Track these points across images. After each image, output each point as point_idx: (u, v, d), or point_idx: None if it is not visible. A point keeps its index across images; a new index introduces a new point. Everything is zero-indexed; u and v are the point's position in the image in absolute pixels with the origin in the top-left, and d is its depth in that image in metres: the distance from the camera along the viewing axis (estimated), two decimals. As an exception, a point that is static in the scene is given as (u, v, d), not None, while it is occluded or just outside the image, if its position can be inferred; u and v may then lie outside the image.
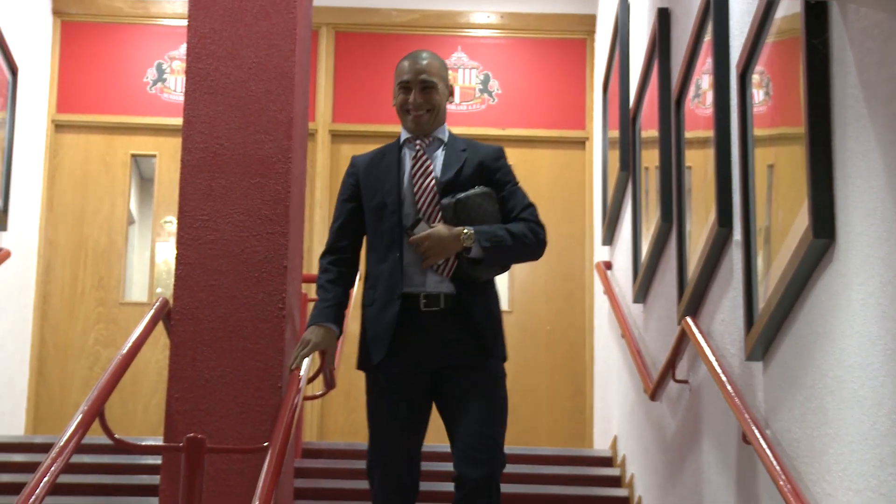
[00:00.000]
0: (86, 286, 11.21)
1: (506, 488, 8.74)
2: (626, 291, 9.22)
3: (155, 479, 7.09)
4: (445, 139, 5.84)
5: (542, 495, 8.71)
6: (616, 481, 9.16)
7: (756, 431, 5.45)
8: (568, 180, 11.37)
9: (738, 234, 6.00)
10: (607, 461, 9.51)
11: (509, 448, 10.06)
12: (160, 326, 6.75)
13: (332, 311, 5.77)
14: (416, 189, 5.73)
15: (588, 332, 10.94)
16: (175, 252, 6.74)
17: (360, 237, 6.04)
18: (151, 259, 11.41)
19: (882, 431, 4.22)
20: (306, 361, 5.89)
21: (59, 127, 11.36)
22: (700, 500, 6.79)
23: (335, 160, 11.34)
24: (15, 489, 6.95)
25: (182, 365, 6.51)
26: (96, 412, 5.73)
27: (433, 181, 5.70)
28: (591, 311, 10.98)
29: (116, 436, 6.18)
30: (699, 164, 6.82)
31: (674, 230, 7.39)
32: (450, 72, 11.42)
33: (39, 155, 11.19)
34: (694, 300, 6.86)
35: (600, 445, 10.08)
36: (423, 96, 5.70)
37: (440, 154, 5.82)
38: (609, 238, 10.16)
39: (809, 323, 5.07)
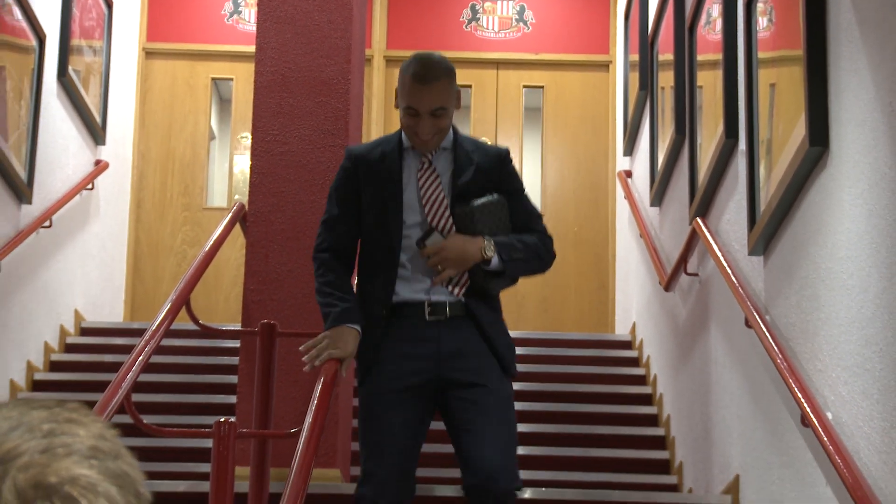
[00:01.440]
0: (173, 193, 11.23)
1: (539, 368, 8.80)
2: (643, 196, 9.18)
3: (234, 360, 7.15)
4: (450, 147, 4.71)
5: (571, 374, 8.73)
6: (634, 362, 9.19)
7: (757, 317, 5.52)
8: (593, 99, 11.23)
9: (742, 145, 5.98)
10: (627, 344, 9.52)
11: (542, 333, 10.15)
12: (237, 228, 6.86)
13: (356, 312, 4.59)
14: (423, 197, 4.61)
15: (610, 232, 10.89)
16: (250, 163, 6.86)
17: (359, 236, 4.86)
18: (230, 169, 11.41)
19: (867, 315, 4.30)
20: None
21: (148, 54, 11.34)
22: (708, 378, 6.79)
23: (388, 83, 11.22)
24: (115, 367, 7.00)
25: (256, 261, 6.64)
26: (183, 301, 5.81)
27: (441, 189, 4.62)
28: (613, 214, 10.90)
29: (201, 322, 6.23)
30: (709, 84, 6.79)
31: (686, 142, 7.35)
32: (488, 3, 11.47)
33: (132, 79, 11.18)
34: (703, 203, 6.86)
35: (621, 331, 10.07)
36: (432, 123, 4.53)
37: (448, 159, 4.70)
38: (629, 149, 10.09)
39: (805, 221, 5.09)
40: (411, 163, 4.74)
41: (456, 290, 4.57)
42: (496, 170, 4.78)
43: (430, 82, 4.53)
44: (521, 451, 7.33)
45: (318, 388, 4.96)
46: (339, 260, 4.75)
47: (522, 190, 4.89)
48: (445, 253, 4.47)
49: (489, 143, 5.21)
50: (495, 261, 4.52)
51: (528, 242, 4.68)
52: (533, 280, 10.39)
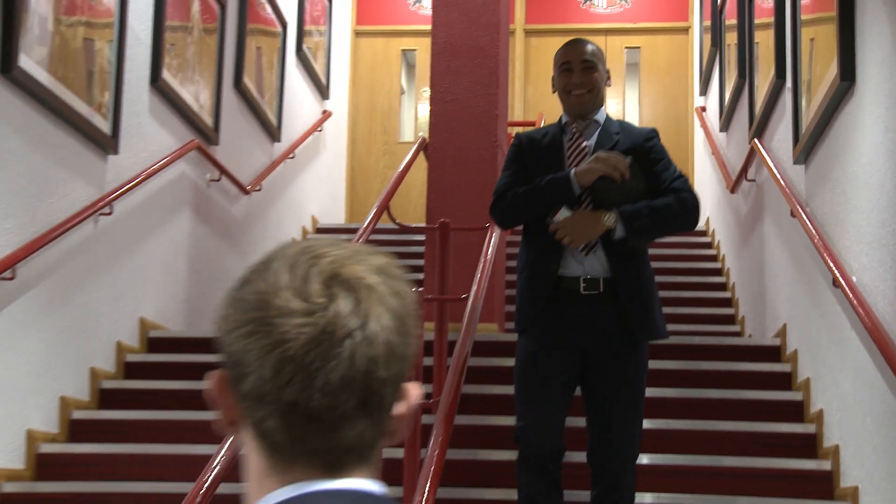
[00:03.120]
0: (376, 133, 11.36)
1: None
2: (714, 124, 9.09)
3: (421, 249, 7.20)
4: (602, 121, 3.98)
5: (662, 255, 8.59)
6: (708, 245, 9.13)
7: (800, 209, 5.46)
8: (676, 55, 11.09)
9: (789, 83, 5.87)
10: (703, 233, 9.43)
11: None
12: (421, 155, 6.97)
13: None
14: (567, 162, 3.92)
15: (690, 152, 10.77)
16: (429, 109, 6.96)
17: None
18: (415, 115, 11.45)
19: (883, 204, 4.28)
20: None
21: (357, 34, 11.44)
22: (762, 254, 6.73)
23: (526, 50, 11.22)
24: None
25: (435, 178, 6.74)
26: (384, 207, 6.04)
27: (585, 154, 3.89)
28: (692, 138, 10.79)
29: (398, 221, 6.31)
30: (763, 40, 6.71)
31: (746, 83, 7.28)
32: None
33: (346, 52, 11.33)
34: (759, 127, 6.77)
35: (699, 223, 9.93)
36: (584, 77, 3.88)
37: (594, 136, 3.95)
38: (703, 91, 9.98)
39: (836, 137, 5.02)
40: (567, 138, 4.00)
41: (585, 252, 3.75)
42: (639, 143, 3.90)
43: (579, 42, 3.99)
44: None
45: (480, 265, 5.28)
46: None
47: (664, 159, 3.93)
48: (567, 229, 3.66)
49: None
50: (619, 229, 3.69)
51: (657, 206, 3.75)
52: None
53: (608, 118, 4.03)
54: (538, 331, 3.78)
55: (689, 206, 3.83)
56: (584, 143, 3.94)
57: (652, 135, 3.99)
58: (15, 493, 4.90)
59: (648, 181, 3.86)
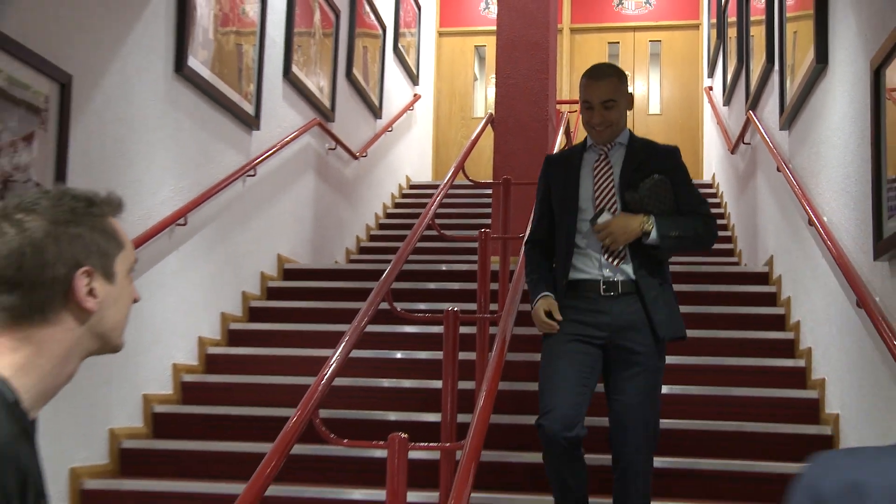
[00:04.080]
0: (454, 110, 11.26)
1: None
2: (719, 99, 8.89)
3: (488, 200, 7.23)
4: (626, 142, 3.44)
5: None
6: (714, 195, 8.92)
7: (784, 165, 5.37)
8: (690, 46, 10.84)
9: (776, 67, 5.78)
10: (710, 185, 9.27)
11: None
12: (489, 128, 6.88)
13: (543, 284, 3.38)
14: (596, 186, 3.35)
15: (700, 122, 10.60)
16: (495, 91, 6.83)
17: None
18: (485, 96, 11.28)
19: (848, 160, 4.21)
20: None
21: (440, 34, 11.30)
22: (755, 201, 6.64)
23: (571, 43, 11.03)
24: (422, 206, 7.19)
25: (500, 144, 6.66)
26: (461, 167, 5.85)
27: (612, 182, 3.32)
28: (702, 111, 10.58)
29: (470, 177, 6.31)
30: (757, 34, 6.56)
31: (744, 67, 7.12)
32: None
33: (432, 49, 11.17)
34: (754, 101, 6.64)
35: (706, 178, 9.83)
36: (603, 115, 3.33)
37: (621, 155, 3.40)
38: (711, 74, 9.78)
39: (813, 107, 4.94)
40: (590, 158, 3.43)
41: (615, 261, 3.24)
42: (664, 163, 3.36)
43: (599, 79, 3.33)
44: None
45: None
46: (538, 248, 3.49)
47: (689, 181, 3.39)
48: (611, 227, 3.19)
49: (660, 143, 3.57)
50: (654, 235, 3.19)
51: (688, 221, 3.28)
52: (650, 136, 10.51)
53: (632, 137, 3.45)
54: (561, 325, 3.25)
55: (710, 230, 3.32)
56: (611, 166, 3.36)
57: (675, 155, 3.42)
58: (191, 382, 5.07)
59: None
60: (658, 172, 3.32)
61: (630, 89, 3.45)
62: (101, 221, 1.30)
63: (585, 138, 3.49)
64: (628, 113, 3.42)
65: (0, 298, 1.22)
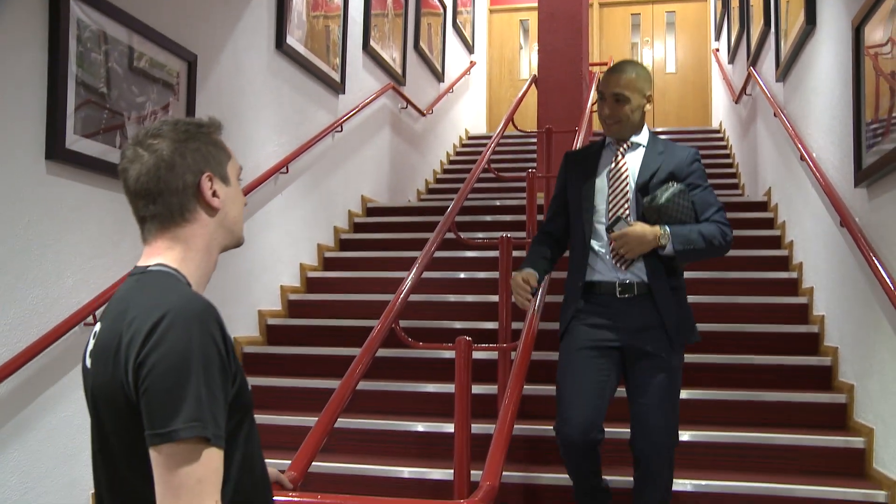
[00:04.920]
0: (504, 73, 11.10)
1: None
2: (724, 58, 8.64)
3: (534, 146, 7.18)
4: (645, 143, 2.82)
5: (685, 139, 8.39)
6: (721, 139, 8.69)
7: (780, 111, 5.24)
8: (700, 15, 10.50)
9: (772, 29, 5.60)
10: (717, 132, 9.03)
11: (672, 126, 9.82)
12: (533, 87, 6.79)
13: (531, 261, 2.84)
14: (610, 188, 2.78)
15: (708, 78, 10.32)
16: (538, 56, 6.72)
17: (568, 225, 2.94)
18: (529, 61, 11.07)
19: (833, 103, 4.11)
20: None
21: (491, 11, 11.13)
22: (755, 141, 6.47)
23: (600, 15, 10.76)
24: (479, 153, 7.17)
25: (543, 99, 6.55)
26: (510, 119, 5.86)
27: (627, 183, 2.75)
28: (709, 70, 10.30)
29: (518, 127, 6.30)
30: (756, 2, 6.30)
31: (745, 31, 6.90)
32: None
33: (484, 24, 11.01)
34: (754, 58, 6.44)
35: (715, 125, 9.63)
36: (613, 109, 2.76)
37: (638, 156, 2.79)
38: (717, 37, 9.49)
39: (804, 61, 4.80)
40: (608, 158, 2.82)
41: (624, 266, 2.69)
42: (682, 166, 2.73)
43: (615, 72, 2.76)
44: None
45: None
46: (548, 238, 2.89)
47: (707, 186, 2.75)
48: (627, 238, 2.64)
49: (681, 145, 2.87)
50: (669, 248, 2.63)
51: (704, 233, 2.66)
52: (670, 96, 10.36)
53: (653, 138, 2.83)
54: (576, 332, 2.74)
55: (728, 239, 2.70)
56: (626, 167, 2.76)
57: (694, 158, 2.78)
58: (295, 300, 5.14)
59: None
60: (675, 176, 2.71)
61: (648, 91, 2.76)
62: (211, 137, 1.35)
63: (603, 138, 2.89)
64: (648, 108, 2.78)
65: (148, 209, 1.31)
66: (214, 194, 1.33)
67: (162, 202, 1.30)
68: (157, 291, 1.23)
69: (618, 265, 2.71)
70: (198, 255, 1.33)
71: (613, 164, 2.79)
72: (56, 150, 3.17)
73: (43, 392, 3.19)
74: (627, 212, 2.72)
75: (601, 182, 2.78)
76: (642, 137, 2.82)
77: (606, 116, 2.78)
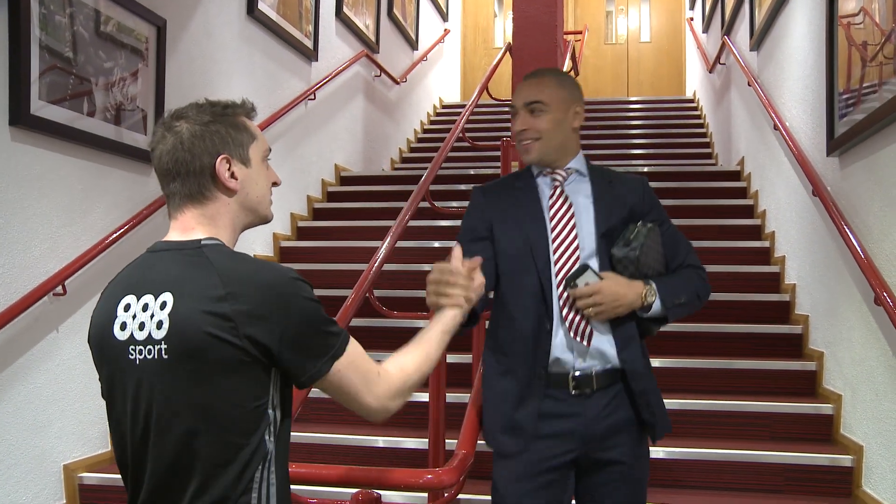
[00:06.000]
0: (478, 42, 11.02)
1: (648, 115, 8.43)
2: (699, 27, 8.60)
3: (507, 115, 7.08)
4: (585, 172, 2.05)
5: (663, 115, 8.37)
6: (695, 108, 8.66)
7: (754, 80, 5.23)
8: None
9: None
10: (691, 101, 9.00)
11: (649, 96, 9.81)
12: (507, 56, 6.66)
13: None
14: (556, 235, 1.96)
15: (682, 48, 10.34)
16: (512, 24, 6.57)
17: (493, 282, 2.01)
18: (503, 29, 10.97)
19: (806, 73, 4.11)
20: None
21: (465, -23, 10.98)
22: (729, 110, 6.45)
23: (577, -18, 10.73)
24: (453, 122, 7.13)
25: (518, 67, 6.39)
26: (484, 87, 5.79)
27: (573, 223, 1.96)
28: (683, 39, 10.28)
29: (493, 95, 6.20)
30: None
31: (719, 0, 6.84)
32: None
33: (458, -11, 10.88)
34: (728, 27, 6.42)
35: (689, 94, 9.64)
36: (525, 121, 2.00)
37: (585, 189, 2.02)
38: (692, 6, 9.42)
39: (778, 30, 4.80)
40: (544, 191, 2.04)
41: (583, 339, 1.92)
42: (640, 198, 2.05)
43: (529, 77, 2.06)
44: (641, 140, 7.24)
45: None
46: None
47: (668, 220, 2.08)
48: (600, 297, 1.89)
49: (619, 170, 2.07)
50: (657, 307, 1.94)
51: (688, 282, 2.01)
52: (644, 65, 10.40)
53: (592, 166, 2.09)
54: (521, 456, 1.92)
55: (706, 284, 2.05)
56: (571, 206, 1.98)
57: (647, 188, 2.08)
58: (286, 246, 5.18)
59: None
60: (634, 214, 2.01)
61: (575, 106, 2.03)
62: (234, 120, 1.39)
63: (529, 166, 2.09)
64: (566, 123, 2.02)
65: (171, 187, 1.37)
66: (232, 176, 1.38)
67: (181, 181, 1.37)
68: (241, 263, 1.30)
69: (575, 336, 1.91)
70: (224, 233, 1.39)
71: (553, 198, 1.99)
72: (20, 117, 3.10)
73: (12, 363, 3.14)
74: (577, 264, 1.93)
75: (540, 224, 1.98)
76: (578, 163, 2.05)
77: (519, 132, 2.00)
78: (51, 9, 3.24)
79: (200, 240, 1.34)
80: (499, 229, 2.03)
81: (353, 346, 1.36)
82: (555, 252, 1.96)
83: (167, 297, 1.28)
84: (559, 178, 2.04)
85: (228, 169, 1.37)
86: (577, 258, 1.96)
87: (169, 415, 1.26)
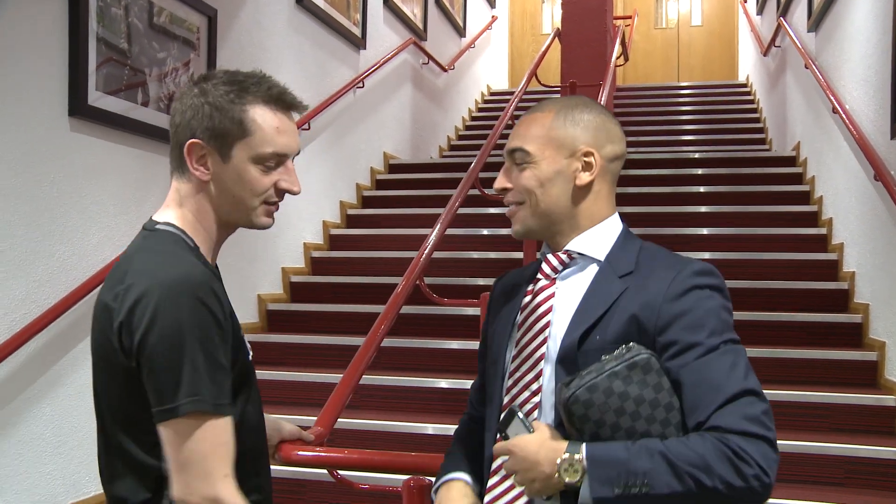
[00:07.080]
0: (525, 28, 10.95)
1: (698, 102, 8.28)
2: (753, 10, 8.41)
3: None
4: (601, 255, 1.22)
5: (717, 100, 8.20)
6: (748, 93, 8.47)
7: (811, 62, 5.11)
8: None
9: None
10: (744, 86, 8.80)
11: (700, 81, 9.61)
12: (556, 42, 6.64)
13: (453, 461, 1.40)
14: (516, 351, 1.23)
15: (735, 31, 10.11)
16: (561, 9, 6.55)
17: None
18: (552, 15, 10.84)
19: (870, 53, 3.99)
20: None
21: (512, -38, 10.92)
22: (784, 94, 6.31)
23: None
24: (501, 109, 7.08)
25: (567, 53, 6.33)
26: (533, 73, 5.76)
27: (543, 338, 1.19)
28: (736, 22, 10.08)
29: (542, 82, 6.17)
30: None
31: (776, -20, 6.68)
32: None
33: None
34: (784, 8, 6.28)
35: (741, 79, 9.43)
36: (507, 176, 1.27)
37: (579, 285, 1.21)
38: (747, -12, 9.27)
39: (838, 9, 4.68)
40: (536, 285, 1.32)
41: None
42: (658, 304, 1.16)
43: (527, 113, 1.33)
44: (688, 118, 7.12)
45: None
46: (467, 425, 1.51)
47: (714, 345, 1.12)
48: (511, 462, 1.16)
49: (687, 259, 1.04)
50: (585, 494, 1.06)
51: (672, 458, 1.05)
52: (696, 49, 10.32)
53: (619, 248, 1.29)
54: None
55: (747, 475, 1.09)
56: (546, 311, 1.26)
57: (691, 285, 1.19)
58: (318, 257, 5.13)
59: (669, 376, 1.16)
60: (640, 327, 1.19)
61: (580, 145, 1.28)
62: (237, 108, 1.23)
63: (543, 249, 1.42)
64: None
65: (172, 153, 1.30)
66: (201, 163, 1.24)
67: (172, 148, 1.29)
68: (156, 259, 1.19)
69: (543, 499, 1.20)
70: (189, 217, 1.27)
71: (529, 301, 1.32)
72: (79, 107, 3.16)
73: (73, 348, 3.21)
74: (536, 399, 1.26)
75: (512, 337, 1.34)
76: (594, 243, 1.31)
77: (498, 190, 1.35)
78: (107, 2, 3.29)
79: (157, 222, 1.27)
80: (488, 332, 1.42)
81: (213, 426, 1.13)
82: (510, 376, 1.29)
83: (106, 279, 1.27)
84: (548, 266, 1.32)
85: (199, 153, 1.24)
86: (538, 388, 1.25)
87: (99, 407, 1.27)
